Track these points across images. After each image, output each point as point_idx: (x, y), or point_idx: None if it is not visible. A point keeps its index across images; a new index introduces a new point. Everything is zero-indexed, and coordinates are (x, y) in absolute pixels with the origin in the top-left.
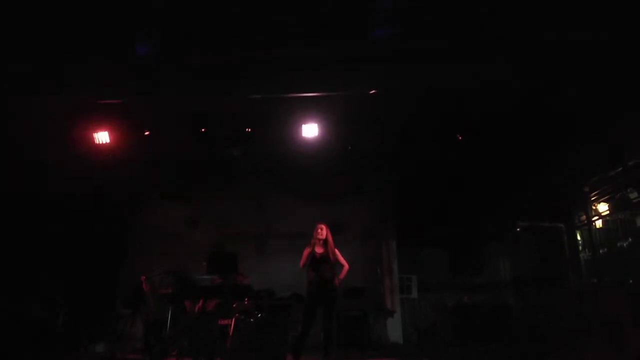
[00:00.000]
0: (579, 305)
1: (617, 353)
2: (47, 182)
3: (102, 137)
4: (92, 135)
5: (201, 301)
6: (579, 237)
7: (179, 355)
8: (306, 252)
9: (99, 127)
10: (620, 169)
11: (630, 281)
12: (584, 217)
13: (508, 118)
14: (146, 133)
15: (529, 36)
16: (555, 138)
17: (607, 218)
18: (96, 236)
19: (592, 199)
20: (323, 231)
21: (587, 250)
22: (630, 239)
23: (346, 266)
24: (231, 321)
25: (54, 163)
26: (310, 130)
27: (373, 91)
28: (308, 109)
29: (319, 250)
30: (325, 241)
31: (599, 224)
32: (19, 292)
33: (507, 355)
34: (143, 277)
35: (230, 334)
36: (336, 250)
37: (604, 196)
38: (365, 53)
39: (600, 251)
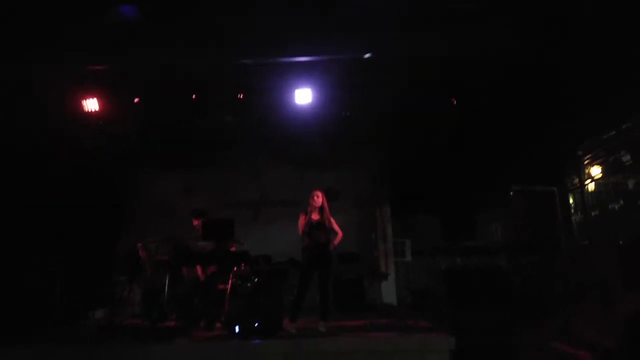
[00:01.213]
0: (571, 267)
1: (607, 313)
2: (41, 151)
3: (91, 104)
4: (81, 103)
5: (199, 267)
6: (571, 200)
7: (177, 320)
8: (302, 218)
9: (87, 94)
10: (614, 132)
11: (621, 242)
12: (576, 180)
13: (502, 84)
14: (135, 100)
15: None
16: (549, 103)
17: (600, 181)
18: (93, 205)
19: (585, 162)
20: (319, 198)
21: (579, 213)
22: (621, 202)
23: (340, 233)
24: (229, 286)
25: (47, 132)
26: (303, 95)
27: (367, 55)
28: (301, 74)
29: (315, 217)
30: (321, 208)
31: (591, 187)
32: (16, 261)
33: (499, 317)
34: (139, 244)
35: (228, 298)
36: (331, 218)
37: (597, 159)
38: (360, 17)
39: (592, 214)
